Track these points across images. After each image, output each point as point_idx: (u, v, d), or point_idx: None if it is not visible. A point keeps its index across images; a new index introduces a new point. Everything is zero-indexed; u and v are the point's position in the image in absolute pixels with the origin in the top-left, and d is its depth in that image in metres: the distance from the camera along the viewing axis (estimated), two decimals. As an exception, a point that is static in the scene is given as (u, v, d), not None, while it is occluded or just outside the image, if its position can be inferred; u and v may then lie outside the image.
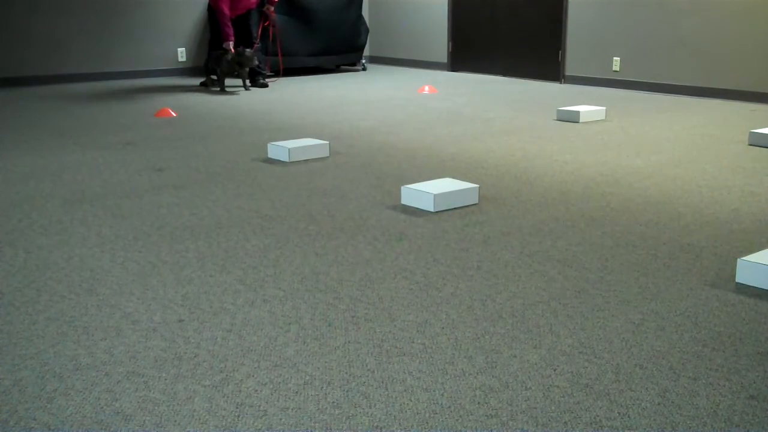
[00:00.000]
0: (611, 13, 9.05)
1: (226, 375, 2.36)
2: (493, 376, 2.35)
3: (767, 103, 7.80)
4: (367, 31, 11.07)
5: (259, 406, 2.19)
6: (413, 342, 2.58)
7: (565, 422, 2.10)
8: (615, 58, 9.06)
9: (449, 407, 2.17)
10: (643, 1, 8.73)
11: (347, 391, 2.26)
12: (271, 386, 2.29)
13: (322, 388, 2.28)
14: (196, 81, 9.91)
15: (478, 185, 4.30)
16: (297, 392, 2.26)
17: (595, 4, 9.19)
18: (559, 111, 7.01)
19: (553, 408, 2.17)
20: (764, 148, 5.67)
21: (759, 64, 7.88)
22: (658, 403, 2.19)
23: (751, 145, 5.79)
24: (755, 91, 7.93)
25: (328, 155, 5.45)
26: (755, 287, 3.04)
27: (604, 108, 7.08)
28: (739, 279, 3.10)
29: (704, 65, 8.31)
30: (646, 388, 2.28)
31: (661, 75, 8.70)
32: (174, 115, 7.23)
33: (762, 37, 7.85)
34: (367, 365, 2.42)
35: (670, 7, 8.48)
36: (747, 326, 2.70)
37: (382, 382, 2.31)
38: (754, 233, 3.72)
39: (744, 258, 3.12)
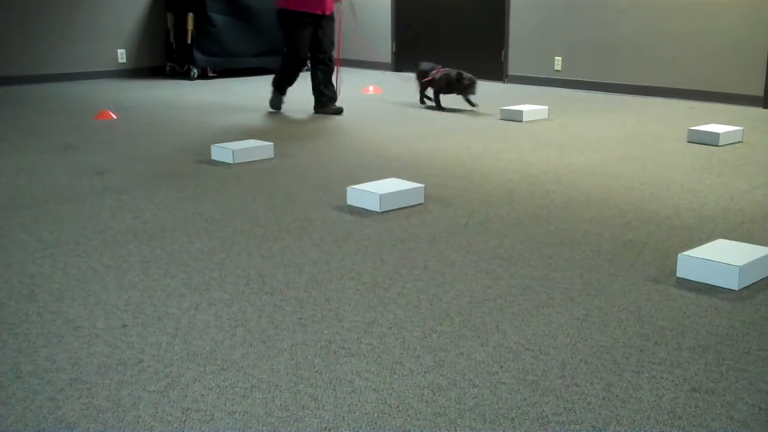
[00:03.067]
0: (553, 13, 9.16)
1: (172, 380, 2.33)
2: (440, 374, 2.36)
3: (705, 101, 7.98)
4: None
5: (206, 410, 2.16)
6: (361, 342, 2.58)
7: (512, 419, 2.11)
8: (557, 57, 9.17)
9: (397, 407, 2.18)
10: (584, 2, 8.85)
11: (295, 394, 2.25)
12: (218, 390, 2.27)
13: (269, 390, 2.27)
14: (138, 83, 9.76)
15: (423, 185, 4.32)
16: (244, 396, 2.24)
17: (537, 5, 9.29)
18: (502, 110, 7.07)
19: (500, 405, 2.19)
20: (703, 145, 5.79)
21: (696, 63, 8.05)
22: (603, 398, 2.22)
23: (690, 142, 5.91)
24: (693, 89, 8.10)
25: (272, 156, 5.42)
26: (695, 281, 3.10)
27: (547, 107, 7.16)
28: (679, 274, 3.16)
29: (644, 64, 8.46)
30: (591, 383, 2.31)
31: (602, 74, 8.83)
32: (115, 117, 7.12)
33: (698, 36, 8.01)
34: (314, 367, 2.41)
35: (610, 8, 8.61)
36: (688, 320, 2.75)
37: (330, 384, 2.30)
38: (694, 229, 3.80)
39: (684, 253, 3.18)
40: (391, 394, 2.24)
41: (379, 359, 2.46)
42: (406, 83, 8.15)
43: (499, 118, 7.05)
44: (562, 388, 2.28)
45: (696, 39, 8.04)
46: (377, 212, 4.07)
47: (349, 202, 4.23)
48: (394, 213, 4.07)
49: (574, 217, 3.99)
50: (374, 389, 2.27)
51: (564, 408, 2.17)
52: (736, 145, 5.82)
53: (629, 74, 8.59)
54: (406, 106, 7.81)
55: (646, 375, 2.36)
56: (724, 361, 2.45)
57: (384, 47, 11.11)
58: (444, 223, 3.91)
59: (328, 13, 7.06)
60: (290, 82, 7.36)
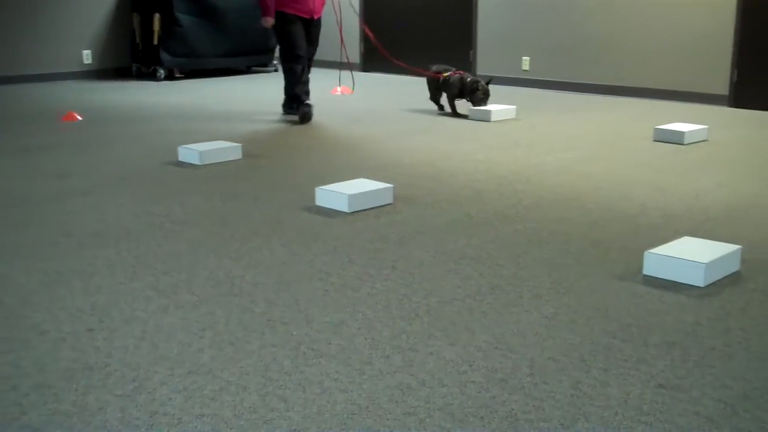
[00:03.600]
0: (520, 13, 9.20)
1: (139, 384, 2.31)
2: (410, 374, 2.36)
3: (670, 100, 8.06)
4: (278, 32, 10.99)
5: (174, 414, 2.14)
6: (330, 343, 2.57)
7: (482, 417, 2.12)
8: (524, 57, 9.22)
9: (367, 407, 2.17)
10: (551, 2, 8.90)
11: (264, 396, 2.24)
12: (186, 393, 2.25)
13: (238, 393, 2.25)
14: (103, 84, 9.66)
15: (392, 185, 4.32)
16: (213, 398, 2.22)
17: (505, 5, 9.33)
18: (471, 110, 7.09)
19: (469, 403, 2.19)
20: (669, 144, 5.85)
21: (661, 62, 8.13)
22: (571, 395, 2.24)
23: (656, 141, 5.97)
24: (659, 89, 8.18)
25: (240, 157, 5.39)
26: (662, 279, 3.13)
27: (515, 107, 7.20)
28: (646, 271, 3.19)
29: (610, 64, 8.52)
30: (560, 381, 2.32)
31: (569, 74, 8.89)
32: (80, 118, 7.04)
33: (663, 36, 8.10)
34: (283, 368, 2.40)
35: (577, 8, 8.67)
36: (655, 317, 2.78)
37: (299, 385, 2.30)
38: (660, 227, 3.83)
39: (650, 251, 3.21)
40: (360, 395, 2.24)
41: (348, 360, 2.45)
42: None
43: (468, 118, 7.06)
44: (530, 386, 2.29)
45: (661, 39, 8.12)
46: (346, 213, 4.07)
47: (318, 202, 4.22)
48: (362, 213, 4.07)
49: (542, 217, 4.01)
50: (343, 390, 2.27)
51: (533, 406, 2.18)
52: (701, 143, 5.89)
53: (596, 74, 8.66)
54: (375, 106, 7.81)
55: (614, 372, 2.38)
56: (690, 357, 2.47)
57: (353, 47, 11.10)
58: (413, 223, 3.91)
59: (316, 17, 6.95)
60: (300, 83, 6.97)
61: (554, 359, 2.46)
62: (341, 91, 8.87)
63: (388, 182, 4.45)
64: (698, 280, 3.05)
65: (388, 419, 2.11)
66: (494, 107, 7.05)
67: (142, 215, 4.05)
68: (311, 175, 4.90)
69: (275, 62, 11.11)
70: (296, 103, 6.98)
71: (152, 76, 9.99)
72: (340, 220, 3.96)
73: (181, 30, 9.76)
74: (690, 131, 5.88)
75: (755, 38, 7.56)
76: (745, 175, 4.87)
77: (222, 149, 5.33)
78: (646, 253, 3.21)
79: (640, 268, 3.24)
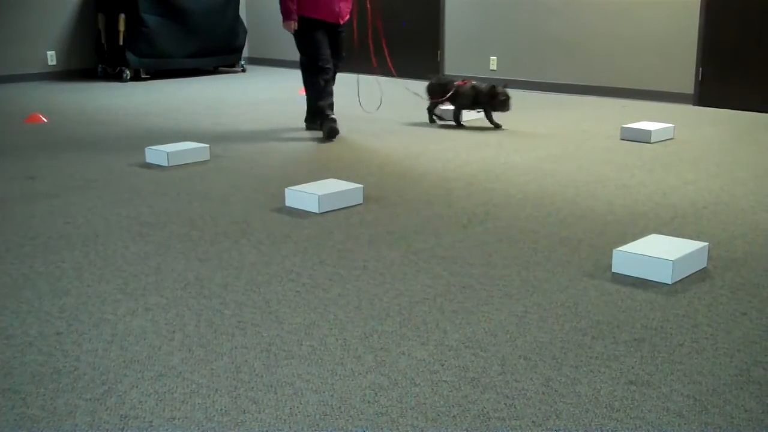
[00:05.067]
0: (488, 13, 9.24)
1: (109, 387, 2.28)
2: (382, 374, 2.36)
3: (637, 99, 8.13)
4: (245, 31, 10.94)
5: (144, 417, 2.12)
6: (301, 344, 2.56)
7: (454, 416, 2.12)
8: (492, 57, 9.26)
9: (339, 408, 2.17)
10: (518, 2, 8.95)
11: (235, 398, 2.22)
12: (156, 396, 2.23)
13: (209, 395, 2.24)
14: (68, 85, 9.54)
15: (362, 185, 4.31)
16: (183, 401, 2.20)
17: (472, 4, 9.37)
18: (442, 110, 7.09)
19: (441, 403, 2.19)
20: (635, 143, 5.90)
21: (628, 62, 8.21)
22: (543, 393, 2.25)
23: (623, 139, 6.02)
24: (625, 88, 8.25)
25: (208, 158, 5.36)
26: (630, 276, 3.15)
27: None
28: (614, 269, 3.22)
29: (577, 63, 8.59)
30: (531, 379, 2.33)
31: (536, 73, 8.94)
32: (45, 120, 6.96)
33: (629, 36, 8.17)
34: (254, 370, 2.39)
35: (544, 8, 8.72)
36: (624, 314, 2.80)
37: (271, 387, 2.28)
38: (628, 224, 3.87)
39: (619, 248, 3.24)
40: (332, 396, 2.23)
41: (320, 361, 2.45)
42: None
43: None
44: (502, 385, 2.29)
45: (627, 38, 8.20)
46: (316, 213, 4.06)
47: (288, 203, 4.20)
48: (333, 214, 4.06)
49: (512, 216, 4.03)
50: (315, 391, 2.26)
51: (504, 404, 2.19)
52: (668, 141, 5.95)
53: (563, 73, 8.71)
54: (343, 107, 7.79)
55: (584, 369, 2.39)
56: (659, 353, 2.50)
57: (320, 48, 11.07)
58: (383, 223, 3.91)
59: (342, 22, 6.20)
60: (325, 95, 6.21)
61: (525, 357, 2.47)
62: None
63: (357, 182, 4.45)
64: (666, 277, 3.08)
65: (360, 419, 2.11)
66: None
67: (110, 217, 4.01)
68: (280, 175, 4.88)
69: (242, 62, 11.06)
70: (320, 119, 6.24)
71: (118, 77, 9.90)
72: (310, 221, 3.95)
73: (146, 30, 9.67)
74: (656, 130, 5.94)
75: (719, 37, 7.66)
76: (711, 173, 4.93)
77: (190, 150, 5.29)
78: (614, 250, 3.24)
79: (609, 265, 3.26)
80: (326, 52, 6.14)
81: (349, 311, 2.83)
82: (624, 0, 8.17)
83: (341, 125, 6.11)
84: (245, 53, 11.42)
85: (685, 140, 5.97)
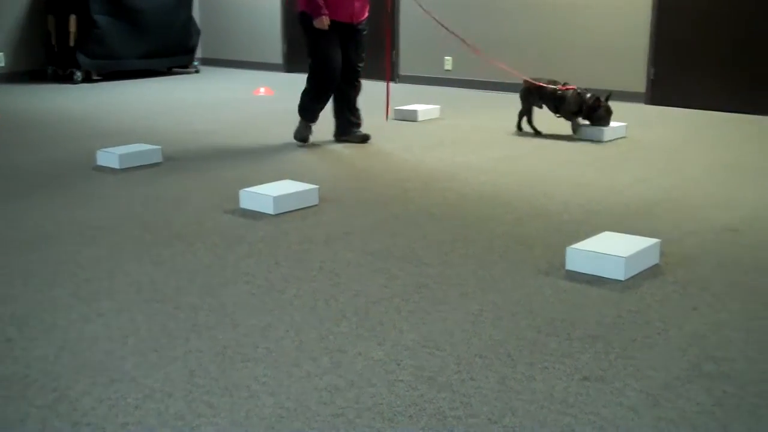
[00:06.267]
0: (442, 13, 9.26)
1: (60, 394, 2.25)
2: (338, 375, 2.35)
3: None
4: (198, 32, 10.85)
5: (97, 423, 2.09)
6: (257, 347, 2.55)
7: (410, 416, 2.12)
8: (446, 57, 9.30)
9: (295, 410, 2.16)
10: (472, 2, 9.00)
11: (190, 402, 2.20)
12: (109, 402, 2.20)
13: (163, 400, 2.21)
14: (17, 87, 9.37)
15: (317, 186, 4.30)
16: (137, 407, 2.17)
17: (426, 5, 9.39)
18: (396, 110, 7.11)
19: (398, 402, 2.19)
20: (588, 142, 5.96)
21: (580, 61, 8.29)
22: (498, 390, 2.26)
23: (576, 139, 6.08)
24: (585, 88, 8.33)
25: (161, 160, 5.30)
26: (584, 273, 3.19)
27: (439, 107, 7.25)
28: (568, 266, 3.25)
29: (531, 63, 8.65)
30: (486, 377, 2.34)
31: (491, 74, 8.99)
32: (-6, 123, 6.83)
33: (581, 36, 8.26)
34: (209, 373, 2.36)
35: (498, 8, 8.78)
36: (578, 311, 2.83)
37: (226, 390, 2.26)
38: (582, 222, 3.91)
39: (572, 246, 3.27)
40: (288, 398, 2.22)
41: (275, 363, 2.43)
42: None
43: (393, 118, 7.08)
44: (458, 383, 2.30)
45: (579, 39, 8.28)
46: (271, 215, 4.03)
47: (242, 205, 4.17)
48: (288, 215, 4.04)
49: (468, 215, 4.05)
50: (271, 393, 2.25)
51: (460, 402, 2.19)
52: (620, 140, 6.02)
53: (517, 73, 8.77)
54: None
55: (539, 366, 2.41)
56: (612, 349, 2.52)
57: (275, 48, 11.03)
58: (339, 223, 3.90)
59: (357, 21, 5.78)
60: (321, 104, 5.86)
61: (481, 356, 2.48)
62: (264, 92, 8.81)
63: (313, 183, 4.43)
64: (619, 273, 3.12)
65: (317, 421, 2.10)
66: (420, 107, 7.09)
67: (61, 221, 3.94)
68: (234, 177, 4.85)
69: (195, 63, 10.97)
70: (305, 118, 5.89)
71: (69, 79, 9.74)
72: (265, 223, 3.92)
73: (98, 31, 9.54)
74: (609, 129, 6.00)
75: (670, 37, 7.77)
76: (662, 171, 5.00)
77: (142, 152, 5.23)
78: (568, 248, 3.27)
79: (563, 263, 3.29)
80: (337, 57, 5.67)
81: (305, 313, 2.82)
82: (576, 1, 8.26)
83: (293, 125, 6.06)
84: (198, 54, 11.33)
85: (637, 139, 6.05)
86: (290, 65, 10.96)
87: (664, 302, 2.91)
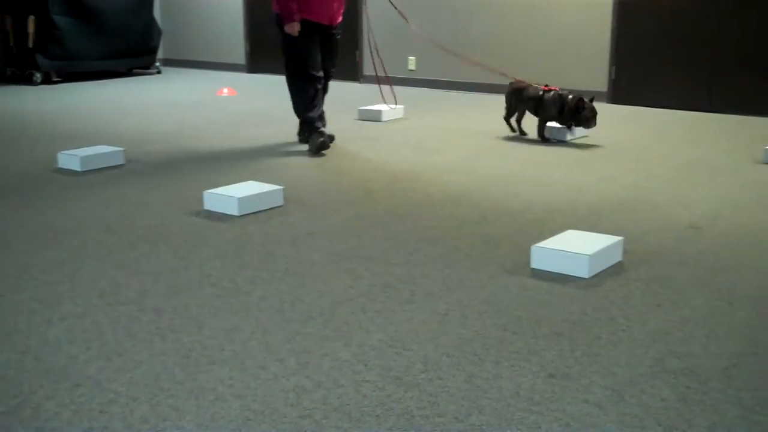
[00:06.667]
0: (406, 13, 9.28)
1: (23, 399, 2.21)
2: (305, 376, 2.34)
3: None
4: (160, 32, 10.76)
5: (61, 429, 2.06)
6: (223, 349, 2.53)
7: (378, 416, 2.12)
8: (410, 57, 9.31)
9: (262, 412, 2.14)
10: (436, 3, 9.02)
11: (155, 406, 2.18)
12: (73, 407, 2.17)
13: (127, 404, 2.18)
14: (-24, 89, 9.23)
15: (282, 187, 4.28)
16: (101, 411, 2.15)
17: (388, 4, 9.40)
18: (360, 110, 7.11)
19: (365, 403, 2.19)
20: (553, 141, 6.00)
21: (543, 61, 8.35)
22: (465, 389, 2.27)
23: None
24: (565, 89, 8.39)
25: (124, 162, 5.24)
26: (549, 271, 3.21)
27: (403, 107, 7.25)
28: (533, 265, 3.27)
29: (494, 63, 8.69)
30: (453, 376, 2.35)
31: (454, 73, 9.03)
32: (-48, 125, 6.72)
33: (544, 36, 8.32)
34: (175, 377, 2.34)
35: (461, 8, 8.81)
36: (543, 309, 2.84)
37: (192, 393, 2.25)
38: (546, 221, 3.93)
39: (537, 245, 3.29)
40: (255, 400, 2.21)
41: (242, 365, 2.42)
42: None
43: (357, 118, 7.08)
44: (425, 382, 2.30)
45: (542, 39, 8.34)
46: (236, 216, 4.01)
47: (207, 206, 4.14)
48: (253, 216, 4.02)
49: (433, 214, 4.06)
50: (237, 396, 2.23)
51: (428, 402, 2.20)
52: (584, 139, 6.07)
53: (480, 73, 8.81)
54: (263, 108, 7.74)
55: (506, 364, 2.42)
56: (578, 346, 2.54)
57: (237, 48, 10.97)
58: (304, 224, 3.89)
59: (335, 23, 5.66)
60: (314, 106, 5.65)
61: (448, 354, 2.49)
62: (227, 93, 8.76)
63: (278, 184, 4.41)
64: (583, 271, 3.14)
65: (284, 423, 2.09)
66: (384, 107, 7.09)
67: (22, 224, 3.88)
68: (198, 178, 4.81)
69: (157, 64, 10.88)
70: (309, 131, 5.66)
71: (28, 81, 9.61)
72: (230, 224, 3.90)
73: (57, 32, 9.42)
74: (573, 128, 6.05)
75: (631, 37, 7.86)
76: (625, 169, 5.06)
77: (104, 154, 5.17)
78: (533, 247, 3.29)
79: (528, 261, 3.31)
80: (317, 58, 5.57)
81: (270, 314, 2.81)
82: (539, 1, 8.32)
83: (258, 126, 6.05)
84: (160, 54, 11.24)
85: (599, 138, 6.10)
86: (253, 66, 10.91)
87: (628, 299, 2.94)
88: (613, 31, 7.93)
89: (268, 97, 8.52)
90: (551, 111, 5.88)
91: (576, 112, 5.78)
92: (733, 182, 4.72)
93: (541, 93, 5.93)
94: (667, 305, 2.88)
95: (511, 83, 6.24)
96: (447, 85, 9.05)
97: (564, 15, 8.18)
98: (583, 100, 5.79)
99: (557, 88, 5.96)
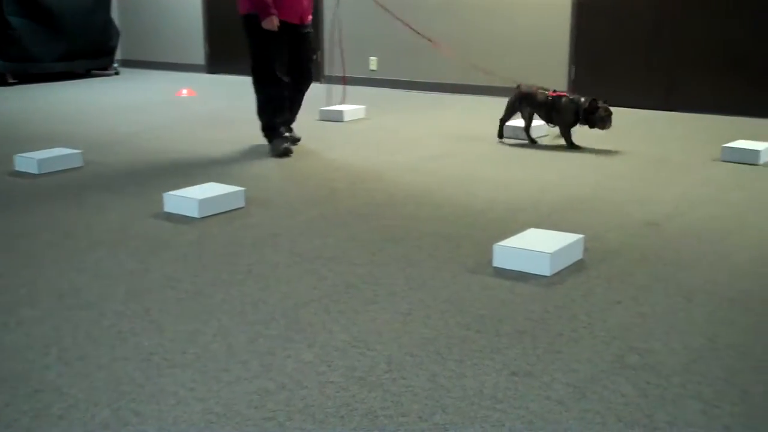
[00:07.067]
0: (367, 13, 9.29)
1: (-21, 407, 2.17)
2: (268, 378, 2.33)
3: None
4: (118, 33, 10.65)
5: (19, 436, 2.03)
6: (184, 353, 2.50)
7: (342, 417, 2.12)
8: (372, 57, 9.31)
9: (225, 415, 2.13)
10: (397, 2, 9.03)
11: (116, 410, 2.15)
12: (32, 414, 2.13)
13: (88, 409, 2.15)
14: (-71, 91, 9.05)
15: (244, 188, 4.26)
16: (61, 417, 2.12)
17: (350, 4, 9.39)
18: (321, 111, 7.09)
19: (329, 404, 2.18)
20: (514, 140, 6.04)
21: (503, 61, 8.40)
22: (429, 388, 2.27)
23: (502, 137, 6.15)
24: (503, 87, 8.44)
25: (82, 165, 5.17)
26: (511, 270, 3.22)
27: (365, 107, 7.25)
28: (496, 263, 3.28)
29: (455, 63, 8.73)
30: (417, 375, 2.35)
31: (416, 73, 9.05)
32: None
33: (505, 35, 8.37)
34: (136, 381, 2.31)
35: (422, 8, 8.83)
36: (505, 307, 2.86)
37: (153, 397, 2.22)
38: (507, 220, 3.95)
39: (499, 243, 3.30)
40: (217, 403, 2.19)
41: (204, 368, 2.40)
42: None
43: (318, 118, 7.06)
44: (389, 382, 2.30)
45: (503, 38, 8.39)
46: (196, 218, 3.98)
47: (167, 209, 4.10)
48: (214, 218, 3.99)
49: (395, 214, 4.06)
50: (200, 399, 2.21)
51: (391, 401, 2.20)
52: (544, 138, 6.12)
53: (442, 73, 8.84)
54: (223, 109, 7.69)
55: (469, 363, 2.43)
56: (539, 344, 2.56)
57: (197, 49, 10.89)
58: (266, 225, 3.87)
59: (305, 22, 5.52)
60: (281, 111, 5.56)
61: (411, 354, 2.49)
62: (186, 93, 8.69)
63: (239, 185, 4.38)
64: (544, 269, 3.17)
65: (247, 425, 2.08)
66: (346, 107, 7.09)
67: (-23, 229, 3.82)
68: (158, 181, 4.77)
69: (115, 65, 10.76)
70: (272, 135, 5.56)
71: (-17, 82, 9.47)
72: (191, 226, 3.87)
73: (13, 33, 9.28)
74: (534, 127, 6.09)
75: (590, 36, 7.94)
76: (585, 168, 5.10)
77: (62, 157, 5.10)
78: (495, 245, 3.30)
79: (490, 260, 3.33)
80: (283, 58, 5.43)
81: (233, 316, 2.79)
82: (499, 1, 8.36)
83: (218, 127, 6.01)
84: (118, 55, 11.12)
85: (560, 136, 6.14)
86: (213, 66, 10.84)
87: (589, 296, 2.96)
88: (572, 30, 8.00)
89: (229, 98, 8.47)
90: (570, 117, 5.69)
91: (591, 113, 5.62)
92: (691, 180, 4.79)
93: (550, 99, 5.74)
94: (627, 302, 2.91)
95: (518, 87, 6.01)
96: (408, 85, 9.07)
97: (524, 15, 8.24)
98: (596, 101, 5.65)
99: (566, 93, 5.82)
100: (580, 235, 3.42)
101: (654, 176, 4.88)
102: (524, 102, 5.90)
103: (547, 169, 5.07)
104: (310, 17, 5.61)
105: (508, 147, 5.79)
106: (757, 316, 2.78)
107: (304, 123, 6.73)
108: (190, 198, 4.01)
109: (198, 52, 10.89)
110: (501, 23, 8.37)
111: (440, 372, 2.37)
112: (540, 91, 5.85)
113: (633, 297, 2.96)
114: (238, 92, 8.95)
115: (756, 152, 5.19)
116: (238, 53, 10.46)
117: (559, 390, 2.26)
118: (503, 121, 6.06)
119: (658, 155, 5.50)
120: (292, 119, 5.73)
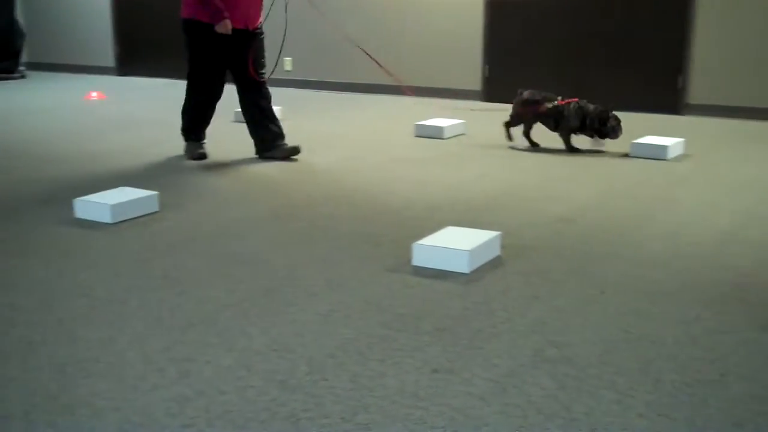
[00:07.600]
0: (281, 13, 9.22)
1: None
2: (187, 385, 2.28)
3: (430, 96, 8.38)
4: (23, 35, 10.33)
5: (-77, 455, 1.94)
6: (98, 361, 2.44)
7: (262, 421, 2.09)
8: (287, 58, 9.25)
9: (142, 424, 2.08)
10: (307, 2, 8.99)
11: (28, 423, 2.08)
12: (-63, 431, 2.05)
13: (0, 423, 2.08)
14: None
15: (157, 192, 4.17)
16: (-32, 433, 2.04)
17: (265, 5, 9.31)
18: (236, 112, 7.00)
19: (249, 408, 2.15)
20: (430, 139, 6.08)
21: (419, 60, 8.45)
22: (350, 389, 2.26)
23: (417, 136, 6.19)
24: (419, 86, 8.48)
25: (-12, 171, 5.00)
26: (430, 268, 3.24)
27: (280, 108, 7.19)
28: (415, 262, 3.29)
29: (371, 63, 8.74)
30: (338, 376, 2.34)
31: (331, 74, 9.03)
32: None
33: (419, 35, 8.42)
34: (49, 392, 2.24)
35: (336, 8, 8.81)
36: (425, 305, 2.87)
37: (67, 408, 2.15)
38: (426, 219, 3.98)
39: (418, 242, 3.32)
40: (134, 412, 2.14)
41: (119, 377, 2.34)
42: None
43: (233, 120, 6.98)
44: (310, 385, 2.29)
45: (417, 38, 8.44)
46: (109, 224, 3.88)
47: (78, 215, 3.99)
48: (127, 223, 3.90)
49: (314, 215, 4.04)
50: (116, 408, 2.15)
51: (313, 403, 2.18)
52: (461, 137, 6.18)
53: (357, 73, 8.84)
54: (134, 112, 7.53)
55: (390, 362, 2.43)
56: (460, 341, 2.58)
57: (106, 51, 10.64)
58: (182, 229, 3.80)
59: (252, 28, 5.36)
60: (205, 119, 5.48)
61: (332, 355, 2.47)
62: (96, 96, 8.48)
63: (152, 189, 4.29)
64: (463, 267, 3.19)
65: (165, 434, 2.03)
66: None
67: None
68: (68, 186, 4.63)
69: (21, 68, 10.43)
70: (187, 136, 5.48)
71: None
72: (103, 232, 3.77)
73: None
74: (449, 126, 6.15)
75: (502, 35, 8.05)
76: (499, 166, 5.17)
77: (-34, 163, 4.92)
78: (413, 244, 3.32)
79: (409, 259, 3.34)
80: (220, 68, 5.28)
81: (149, 323, 2.72)
82: (412, 1, 8.41)
83: (129, 130, 5.88)
84: (24, 58, 10.77)
85: (475, 135, 6.22)
86: (123, 68, 10.61)
87: (507, 292, 3.00)
88: (485, 29, 8.10)
89: (141, 101, 8.30)
90: (574, 122, 5.58)
91: (602, 122, 5.52)
92: (602, 175, 4.90)
93: (557, 107, 5.64)
94: (544, 296, 2.96)
95: (521, 93, 5.89)
96: (323, 85, 9.04)
97: (436, 15, 8.30)
98: (606, 111, 5.55)
99: (576, 99, 5.65)
100: (497, 232, 3.46)
101: (565, 172, 4.97)
102: (527, 110, 5.79)
103: (461, 167, 5.12)
104: (259, 21, 5.47)
105: (421, 146, 5.82)
106: (669, 307, 2.86)
107: (219, 125, 6.65)
108: (101, 203, 3.91)
109: (107, 54, 10.63)
110: (413, 23, 8.42)
111: (361, 372, 2.36)
112: (547, 98, 5.73)
113: (549, 291, 3.01)
114: (150, 94, 8.78)
115: (664, 148, 5.35)
116: (150, 54, 10.29)
117: (480, 385, 2.28)
118: (508, 125, 5.92)
119: (568, 153, 5.61)
120: (281, 132, 5.46)
